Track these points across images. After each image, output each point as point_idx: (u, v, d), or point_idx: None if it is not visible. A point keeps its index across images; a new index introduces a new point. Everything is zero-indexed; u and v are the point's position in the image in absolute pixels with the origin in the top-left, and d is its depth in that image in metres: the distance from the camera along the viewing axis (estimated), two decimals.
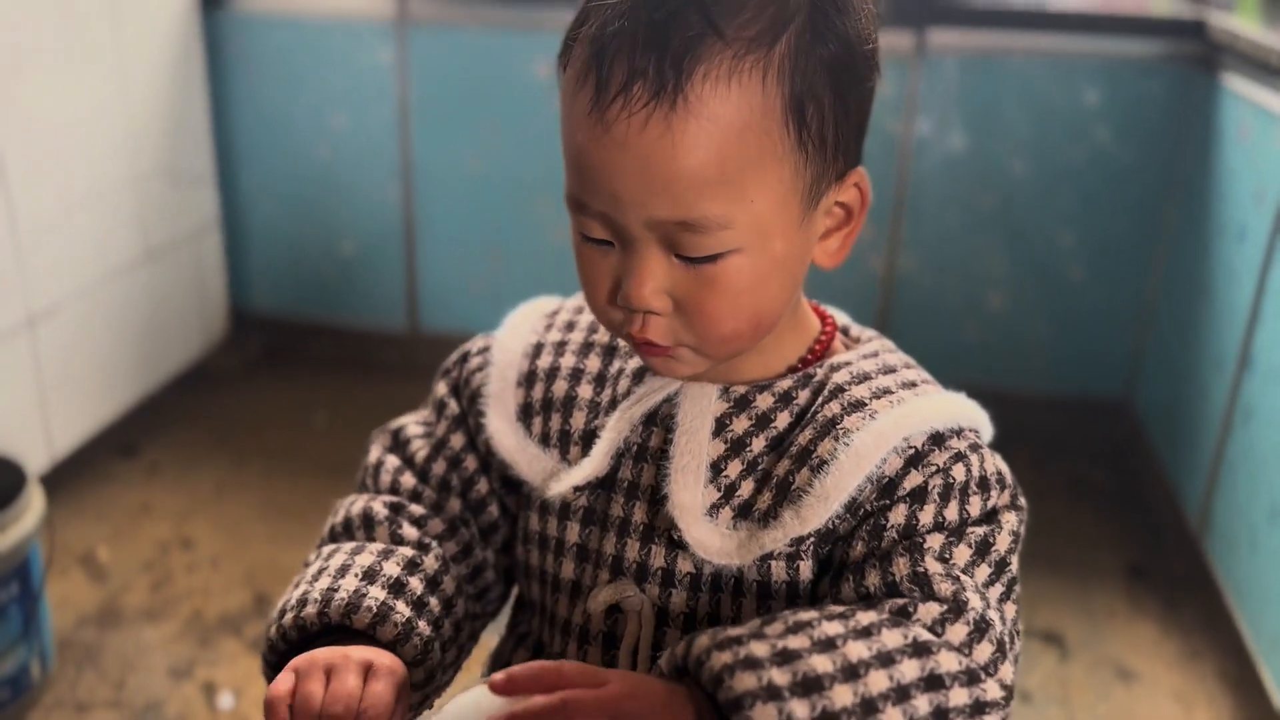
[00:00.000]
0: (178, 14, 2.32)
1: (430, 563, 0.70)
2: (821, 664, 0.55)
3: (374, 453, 0.77)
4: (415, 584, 0.68)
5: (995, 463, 0.68)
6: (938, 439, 0.65)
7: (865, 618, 0.58)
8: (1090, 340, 2.43)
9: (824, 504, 0.63)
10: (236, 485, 2.20)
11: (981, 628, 0.60)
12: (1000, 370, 2.46)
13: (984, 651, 0.59)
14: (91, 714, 1.62)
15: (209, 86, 2.46)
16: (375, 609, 0.65)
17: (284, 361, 2.69)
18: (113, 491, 2.16)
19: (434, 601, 0.68)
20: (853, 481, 0.63)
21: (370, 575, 0.67)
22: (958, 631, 0.59)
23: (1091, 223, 2.34)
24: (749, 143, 0.58)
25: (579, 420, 0.71)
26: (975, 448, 0.66)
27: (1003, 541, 0.65)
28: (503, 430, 0.72)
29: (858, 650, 0.56)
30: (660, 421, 0.68)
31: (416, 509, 0.73)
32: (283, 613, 0.67)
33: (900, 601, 0.60)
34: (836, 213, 0.66)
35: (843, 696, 0.54)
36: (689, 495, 0.65)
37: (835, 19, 0.60)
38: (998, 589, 0.64)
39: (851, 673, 0.55)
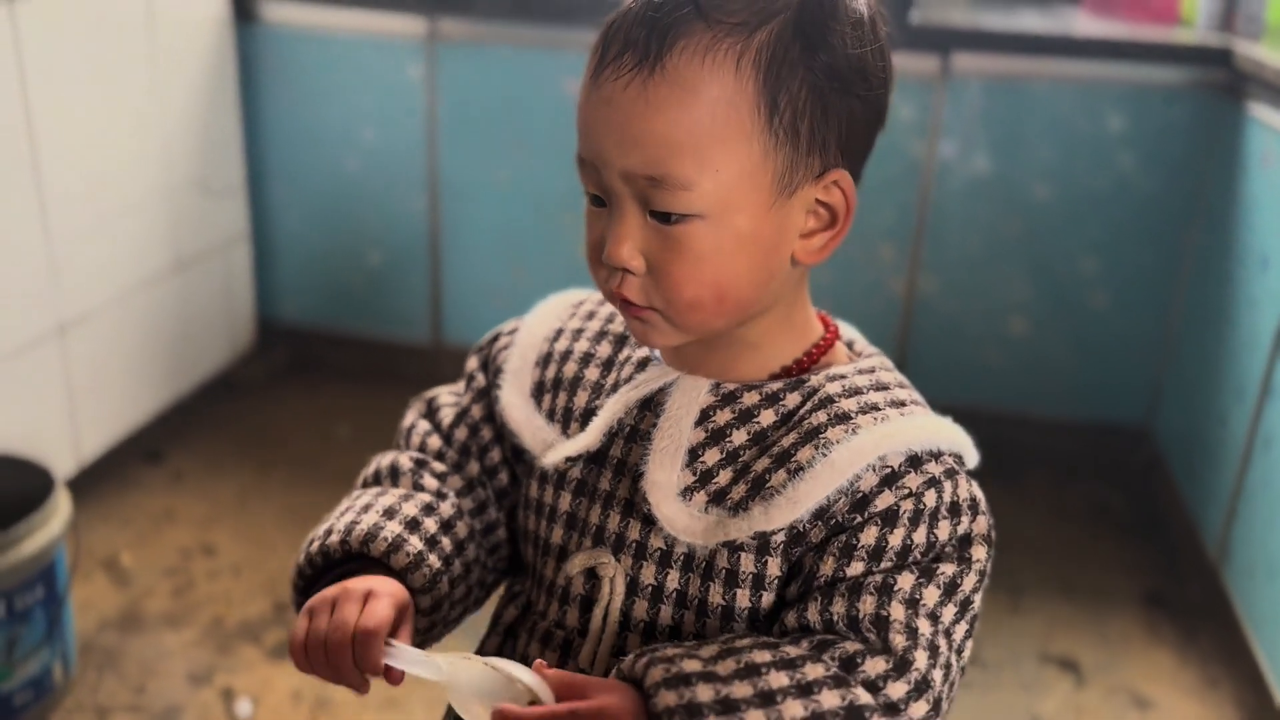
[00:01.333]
0: (212, 28, 2.36)
1: (445, 508, 0.78)
2: (741, 690, 0.61)
3: (409, 417, 0.86)
4: (430, 523, 0.76)
5: (970, 490, 0.71)
6: (914, 461, 0.68)
7: (791, 651, 0.63)
8: (1111, 366, 2.42)
9: (792, 507, 0.67)
10: (259, 493, 2.23)
11: (921, 688, 0.64)
12: (1021, 395, 2.45)
13: (918, 710, 0.64)
14: (112, 718, 1.64)
15: (241, 100, 2.50)
16: (390, 539, 0.73)
17: (309, 371, 2.73)
18: (137, 497, 2.19)
19: (446, 541, 0.76)
20: (823, 491, 0.67)
21: (390, 513, 0.76)
22: (897, 689, 0.64)
23: (1114, 249, 2.34)
24: (716, 115, 0.64)
25: (582, 399, 0.77)
26: (951, 473, 0.69)
27: (969, 581, 0.68)
28: (514, 404, 0.79)
29: (778, 680, 0.61)
30: (653, 407, 0.74)
31: (439, 465, 0.81)
32: (311, 542, 0.76)
33: (850, 649, 0.64)
34: (821, 214, 0.70)
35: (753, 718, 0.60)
36: (663, 475, 0.71)
37: (825, 26, 0.66)
38: (961, 628, 0.68)
39: (768, 700, 0.61)
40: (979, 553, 0.69)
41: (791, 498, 0.67)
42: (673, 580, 0.71)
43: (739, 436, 0.71)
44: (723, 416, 0.71)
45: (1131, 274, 2.35)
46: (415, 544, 0.74)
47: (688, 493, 0.70)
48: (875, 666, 0.63)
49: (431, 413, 0.85)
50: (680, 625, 0.71)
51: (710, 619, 0.70)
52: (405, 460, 0.81)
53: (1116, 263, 2.35)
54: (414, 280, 2.63)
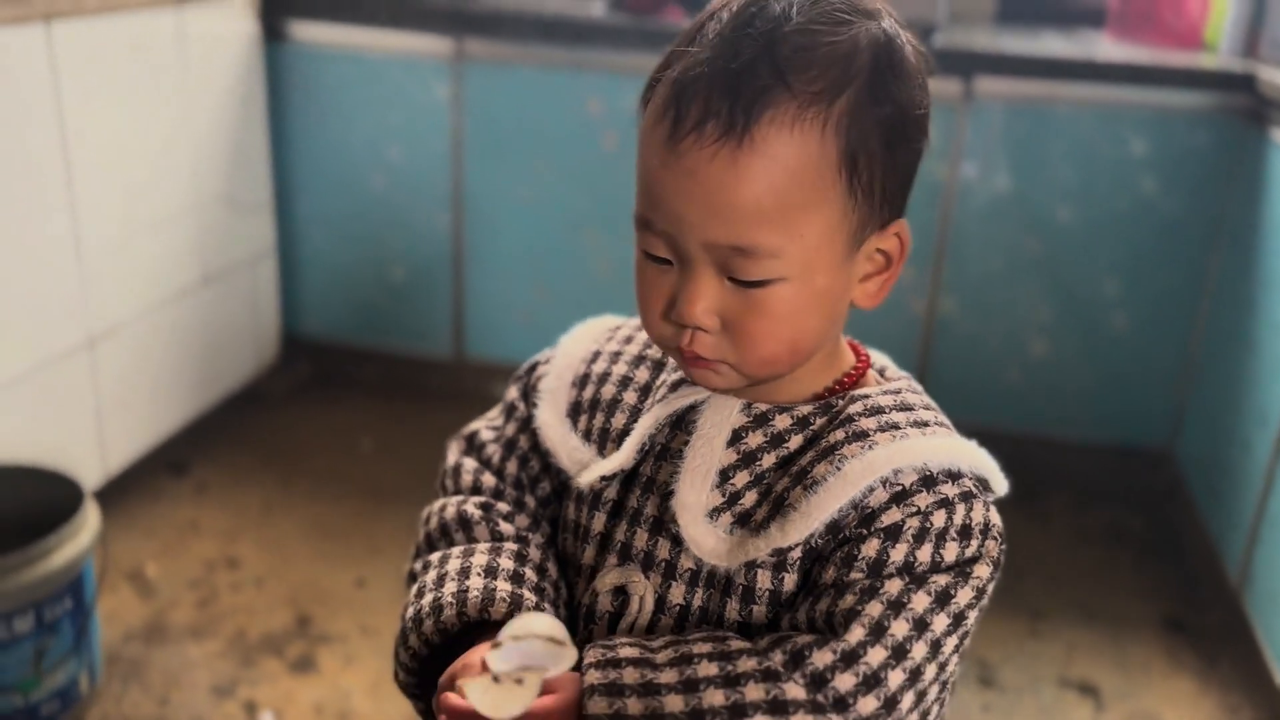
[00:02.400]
0: (241, 47, 2.39)
1: (534, 552, 0.78)
2: (672, 704, 0.63)
3: (451, 456, 0.85)
4: (529, 573, 0.76)
5: (985, 515, 0.70)
6: (928, 480, 0.68)
7: (743, 664, 0.65)
8: (1133, 389, 2.42)
9: (805, 521, 0.68)
10: (283, 506, 2.25)
11: (870, 683, 0.64)
12: (1041, 417, 2.45)
13: (866, 705, 0.64)
14: None
15: (269, 117, 2.53)
16: (508, 599, 0.73)
17: (332, 386, 2.75)
18: (162, 509, 2.21)
19: (548, 586, 0.76)
20: (835, 504, 0.68)
21: (491, 572, 0.75)
22: (844, 681, 0.64)
23: (1136, 272, 2.34)
24: (804, 184, 0.64)
25: (619, 421, 0.77)
26: (968, 496, 0.69)
27: (964, 594, 0.68)
28: (550, 423, 0.80)
29: (712, 699, 0.63)
30: (684, 425, 0.74)
31: (503, 506, 0.80)
32: (419, 621, 0.74)
33: (804, 640, 0.65)
34: (877, 259, 0.72)
35: (673, 704, 0.63)
36: (693, 495, 0.71)
37: (891, 84, 0.67)
38: (952, 640, 0.67)
39: (691, 686, 0.64)
40: (980, 570, 0.69)
41: (805, 512, 0.68)
42: (698, 599, 0.72)
43: (768, 460, 0.72)
44: (755, 439, 0.72)
45: (1153, 297, 2.35)
46: (530, 596, 0.74)
47: (715, 514, 0.71)
48: (823, 658, 0.64)
49: (476, 449, 0.84)
50: None
51: None
52: (471, 509, 0.80)
53: (1138, 285, 2.35)
54: (437, 296, 2.65)
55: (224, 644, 1.84)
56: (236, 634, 1.87)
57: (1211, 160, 2.24)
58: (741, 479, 0.71)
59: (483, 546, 0.77)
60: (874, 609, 0.65)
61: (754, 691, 0.63)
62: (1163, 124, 2.24)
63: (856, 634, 0.65)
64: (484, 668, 0.66)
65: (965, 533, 0.68)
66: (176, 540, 2.12)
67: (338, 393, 2.73)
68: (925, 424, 0.72)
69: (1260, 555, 1.87)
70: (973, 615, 0.68)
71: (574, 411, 0.80)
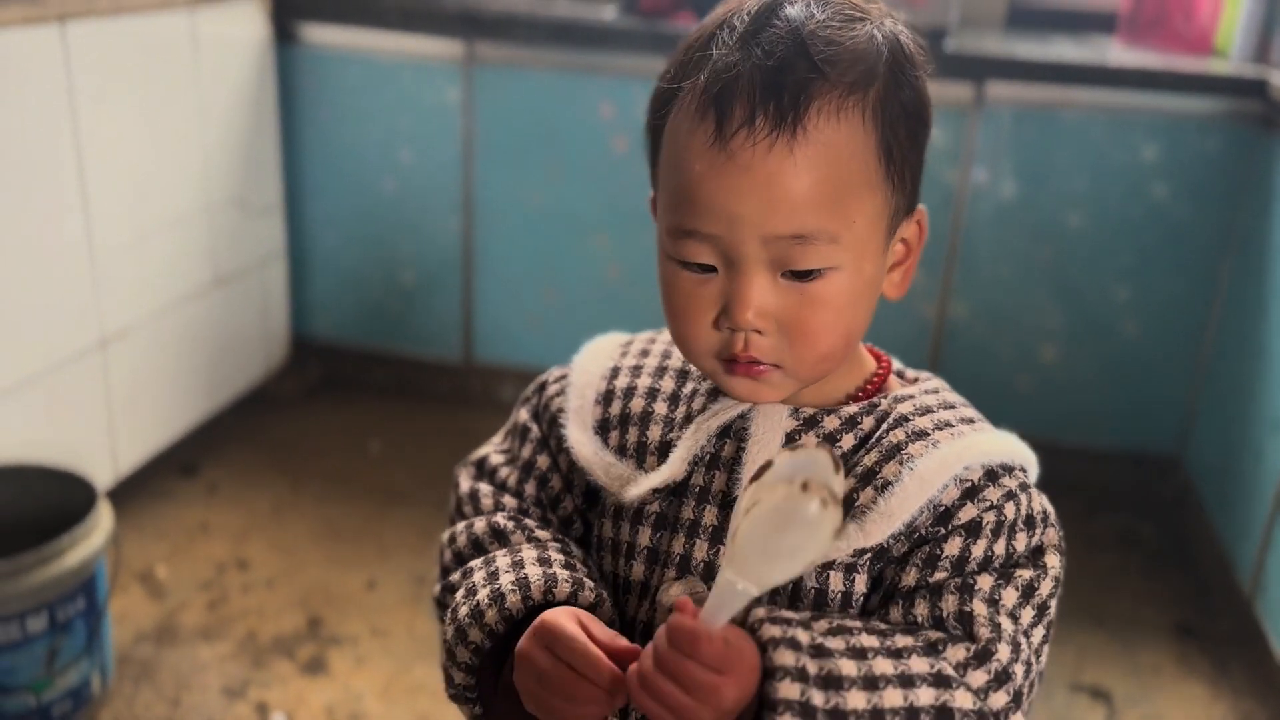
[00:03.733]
0: (253, 49, 2.40)
1: (577, 551, 0.77)
2: (848, 668, 0.62)
3: (464, 484, 0.83)
4: (579, 565, 0.75)
5: (1042, 502, 0.73)
6: (992, 475, 0.70)
7: (901, 641, 0.65)
8: (1143, 395, 2.42)
9: (888, 521, 0.69)
10: (293, 508, 2.25)
11: (1001, 679, 0.65)
12: (1051, 422, 2.45)
13: (998, 700, 0.65)
14: None
15: (280, 120, 2.53)
16: (570, 582, 0.71)
17: (342, 388, 2.75)
18: (173, 510, 2.21)
19: (599, 581, 0.75)
20: (916, 503, 0.68)
21: (545, 562, 0.73)
22: (977, 678, 0.65)
23: (1147, 278, 2.34)
24: (854, 169, 0.66)
25: (655, 433, 0.76)
26: (1024, 486, 0.72)
27: (1046, 586, 0.70)
28: (581, 441, 0.78)
29: (883, 666, 0.63)
30: (733, 434, 0.74)
31: (531, 521, 0.79)
32: (478, 614, 0.71)
33: (934, 636, 0.66)
34: (899, 248, 0.73)
35: (855, 699, 0.61)
36: None
37: (909, 72, 0.70)
38: (1039, 631, 0.69)
39: (871, 683, 0.62)
40: (1053, 560, 0.71)
41: (885, 513, 0.68)
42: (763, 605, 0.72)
43: None
44: (808, 442, 0.72)
45: (1163, 303, 2.35)
46: (589, 583, 0.73)
47: None
48: (956, 654, 0.65)
49: (488, 474, 0.83)
50: None
51: None
52: (501, 520, 0.78)
53: (1148, 291, 2.34)
54: (446, 299, 2.66)
55: (235, 645, 1.84)
56: (247, 635, 1.86)
57: (1223, 166, 2.24)
58: None
59: (527, 546, 0.76)
60: (980, 608, 0.67)
61: (925, 695, 0.63)
62: (1174, 130, 2.24)
63: (983, 633, 0.66)
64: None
65: (1030, 522, 0.71)
66: (187, 541, 2.12)
67: (347, 395, 2.73)
68: (971, 420, 0.74)
69: (1273, 561, 1.86)
70: (1054, 605, 0.70)
71: (602, 428, 0.79)
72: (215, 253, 2.34)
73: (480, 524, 0.78)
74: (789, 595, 0.71)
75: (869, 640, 0.64)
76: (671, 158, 0.69)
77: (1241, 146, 2.21)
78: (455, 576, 0.77)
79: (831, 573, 0.70)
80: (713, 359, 0.71)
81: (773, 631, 0.62)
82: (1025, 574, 0.69)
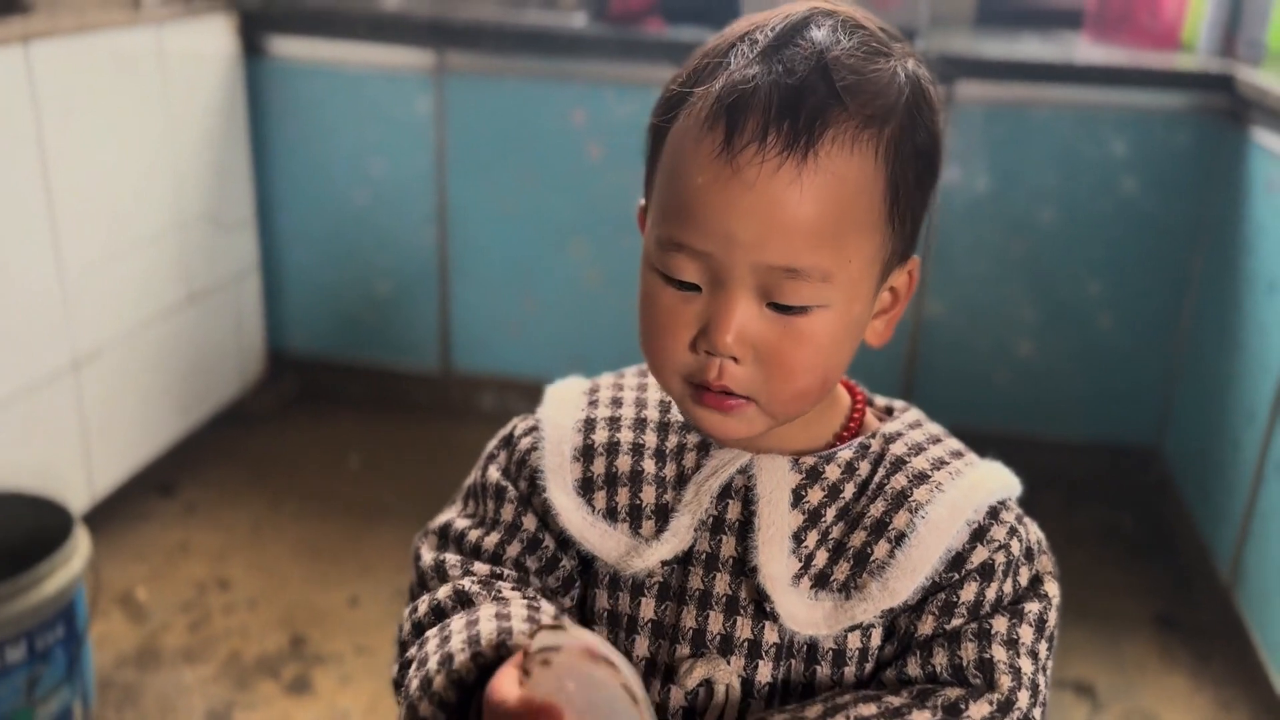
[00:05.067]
0: (221, 64, 2.38)
1: (548, 607, 0.69)
2: None
3: (427, 555, 0.75)
4: (545, 619, 0.67)
5: (1035, 531, 0.72)
6: (993, 512, 0.69)
7: (896, 700, 0.63)
8: (1120, 388, 2.44)
9: (911, 576, 0.66)
10: (273, 525, 2.23)
11: None
12: (1029, 417, 2.46)
13: None
14: None
15: (250, 134, 2.52)
16: (528, 634, 0.63)
17: (319, 402, 2.73)
18: (151, 531, 2.19)
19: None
20: (935, 553, 0.67)
21: (503, 616, 0.66)
22: None
23: (1119, 272, 2.35)
24: (858, 206, 0.63)
25: (649, 495, 0.71)
26: (1020, 518, 0.71)
27: (1053, 616, 0.69)
28: (567, 506, 0.72)
29: None
30: (735, 493, 0.70)
31: (505, 584, 0.72)
32: (427, 684, 0.64)
33: (953, 695, 0.65)
34: (885, 296, 0.70)
35: None
36: (777, 566, 0.68)
37: (926, 114, 0.66)
38: (1050, 663, 0.69)
39: None
40: (1052, 588, 0.71)
41: (907, 567, 0.66)
42: (782, 671, 0.69)
43: (830, 514, 0.69)
44: (815, 495, 0.69)
45: (1137, 296, 2.36)
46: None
47: (796, 580, 0.68)
48: (980, 710, 0.64)
49: (455, 541, 0.75)
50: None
51: None
52: (469, 584, 0.70)
53: (1122, 285, 2.36)
54: (423, 310, 2.64)
55: (218, 667, 1.82)
56: (230, 656, 1.85)
57: (1191, 160, 2.26)
58: (812, 539, 0.69)
59: (487, 605, 0.68)
60: (1001, 653, 0.66)
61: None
62: (1142, 125, 2.26)
63: (1005, 682, 0.65)
64: None
65: (1029, 555, 0.70)
66: (166, 562, 2.10)
67: (325, 409, 2.71)
68: (960, 453, 0.73)
69: (1251, 551, 1.88)
70: (1057, 633, 0.70)
71: (584, 489, 0.73)
72: (188, 269, 2.32)
73: (444, 590, 0.71)
74: (805, 656, 0.68)
75: (867, 709, 0.63)
76: (672, 165, 0.65)
77: (1209, 140, 2.23)
78: (412, 650, 0.69)
79: (849, 633, 0.68)
80: (681, 381, 0.67)
81: None
82: (1034, 608, 0.68)
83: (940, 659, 0.66)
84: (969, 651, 0.66)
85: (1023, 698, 0.65)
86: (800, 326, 0.64)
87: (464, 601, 0.70)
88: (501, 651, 0.63)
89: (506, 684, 0.58)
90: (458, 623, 0.67)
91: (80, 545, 1.60)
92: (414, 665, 0.67)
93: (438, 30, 2.39)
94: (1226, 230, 2.15)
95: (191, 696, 1.76)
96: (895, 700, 0.64)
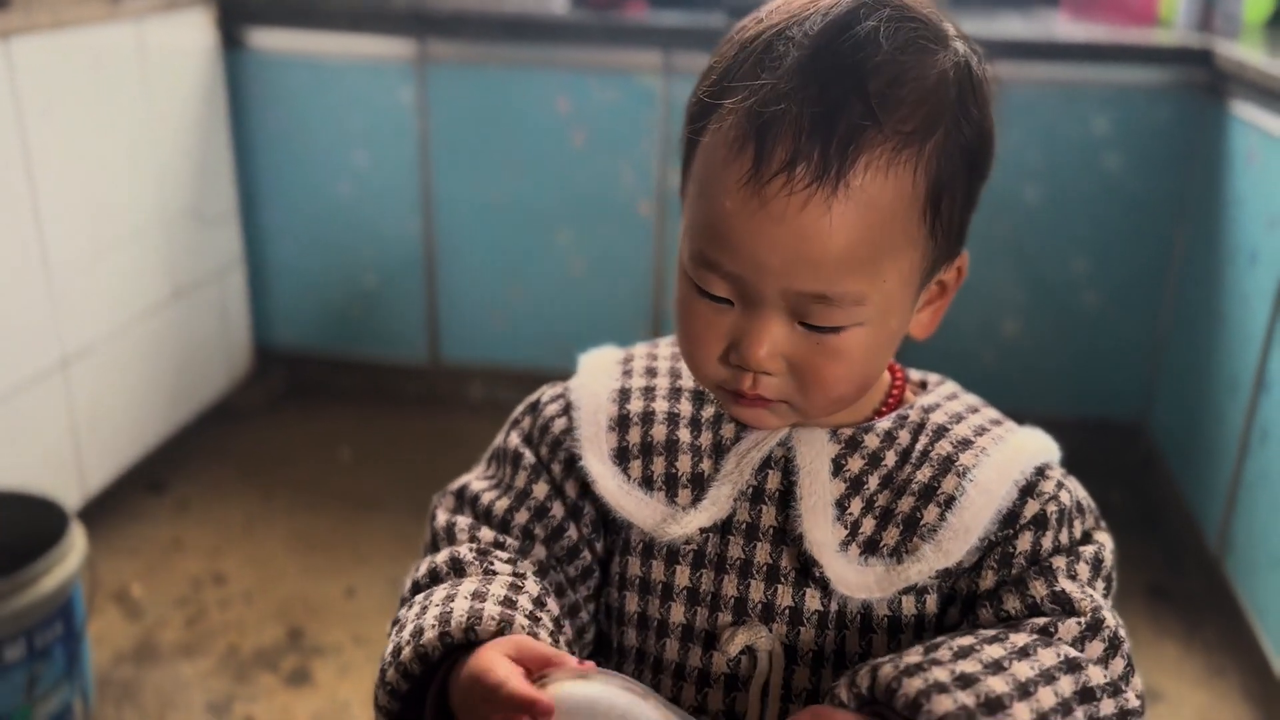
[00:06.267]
0: (200, 57, 2.36)
1: (532, 586, 0.70)
2: (998, 685, 0.59)
3: (441, 516, 0.77)
4: (524, 601, 0.68)
5: (1081, 490, 0.74)
6: (1040, 471, 0.70)
7: (1019, 639, 0.63)
8: (1105, 364, 2.46)
9: (964, 536, 0.68)
10: (265, 519, 2.23)
11: (1115, 644, 0.66)
12: (1016, 395, 2.48)
13: (1118, 665, 0.65)
14: None
15: (232, 127, 2.50)
16: (498, 617, 0.64)
17: (307, 395, 2.73)
18: (143, 528, 2.19)
19: (544, 616, 0.68)
20: (987, 515, 0.68)
21: (479, 596, 0.67)
22: (1095, 648, 0.65)
23: (1104, 248, 2.37)
24: (895, 230, 0.62)
25: (685, 464, 0.72)
26: (1065, 475, 0.72)
27: (1108, 558, 0.71)
28: (603, 474, 0.73)
29: (1024, 670, 0.61)
30: (775, 464, 0.71)
31: (503, 554, 0.73)
32: (397, 652, 0.66)
33: (1041, 621, 0.65)
34: (933, 289, 0.70)
35: (1021, 713, 0.59)
36: (822, 533, 0.68)
37: (974, 110, 0.64)
38: (1109, 600, 0.70)
39: (1024, 691, 0.60)
40: (1102, 537, 0.72)
41: (960, 528, 0.67)
42: (831, 640, 0.69)
43: (873, 482, 0.70)
44: (855, 464, 0.70)
45: (1121, 272, 2.38)
46: (522, 622, 0.65)
47: (844, 546, 0.68)
48: (1070, 630, 0.65)
49: (469, 504, 0.77)
50: None
51: None
52: (464, 551, 0.72)
53: (1106, 261, 2.38)
54: (410, 301, 2.64)
55: (216, 661, 1.82)
56: (228, 650, 1.85)
57: (1172, 135, 2.27)
58: (856, 506, 0.69)
59: (473, 578, 0.69)
60: (1070, 585, 0.67)
61: (1066, 684, 0.62)
62: (1123, 101, 2.27)
63: (1085, 605, 0.66)
64: None
65: (1080, 509, 0.71)
66: (160, 559, 2.09)
67: (314, 402, 2.71)
68: (999, 421, 0.74)
69: (1238, 521, 1.90)
70: (1115, 577, 0.71)
71: (620, 458, 0.73)
72: (172, 265, 2.31)
73: (443, 555, 0.72)
74: (859, 625, 0.69)
75: (995, 650, 0.62)
76: (703, 182, 0.63)
77: (1189, 115, 2.25)
78: (402, 610, 0.71)
79: (904, 597, 0.68)
80: (718, 387, 0.68)
81: (915, 684, 0.59)
82: (1089, 550, 0.69)
83: (1012, 602, 0.67)
84: (1039, 589, 0.67)
85: (1108, 618, 0.66)
86: (833, 343, 0.64)
87: (458, 570, 0.71)
88: (470, 636, 0.64)
89: (505, 672, 0.60)
90: (439, 594, 0.68)
91: (76, 543, 1.60)
92: (394, 628, 0.69)
93: (419, 19, 2.39)
94: (1208, 203, 2.18)
95: (191, 691, 1.76)
96: (988, 630, 0.64)
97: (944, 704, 0.58)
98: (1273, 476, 1.77)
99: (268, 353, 2.73)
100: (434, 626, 0.65)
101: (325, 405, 2.69)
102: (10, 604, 1.48)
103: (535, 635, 0.65)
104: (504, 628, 0.64)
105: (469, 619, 0.64)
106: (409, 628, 0.67)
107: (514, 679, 0.59)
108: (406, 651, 0.65)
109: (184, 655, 1.84)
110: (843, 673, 0.66)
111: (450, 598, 0.67)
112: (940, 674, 0.59)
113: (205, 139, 2.39)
